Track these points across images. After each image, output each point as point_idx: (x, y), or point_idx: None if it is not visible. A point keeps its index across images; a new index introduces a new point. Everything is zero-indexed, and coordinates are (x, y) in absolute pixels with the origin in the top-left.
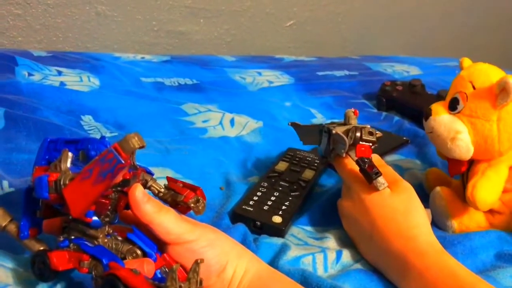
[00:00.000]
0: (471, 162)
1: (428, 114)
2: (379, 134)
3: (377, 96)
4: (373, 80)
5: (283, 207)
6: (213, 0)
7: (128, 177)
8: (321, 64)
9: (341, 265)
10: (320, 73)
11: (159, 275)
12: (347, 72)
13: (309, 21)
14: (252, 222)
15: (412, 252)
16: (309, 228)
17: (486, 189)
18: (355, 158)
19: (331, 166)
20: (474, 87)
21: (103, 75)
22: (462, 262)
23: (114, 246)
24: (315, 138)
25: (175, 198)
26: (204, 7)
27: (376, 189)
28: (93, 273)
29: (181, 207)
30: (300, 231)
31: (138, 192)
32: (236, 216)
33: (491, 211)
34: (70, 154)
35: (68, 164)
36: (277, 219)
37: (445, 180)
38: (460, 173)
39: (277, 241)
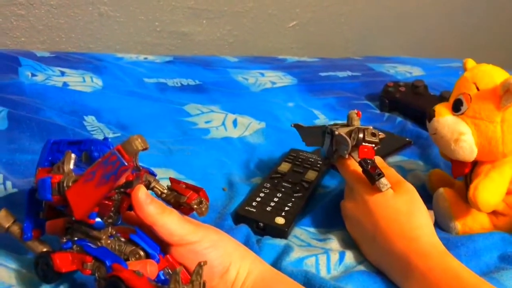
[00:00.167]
0: (475, 164)
1: (431, 115)
2: (381, 135)
3: (380, 97)
4: (376, 81)
5: (286, 208)
6: (215, 1)
7: (131, 179)
8: (323, 65)
9: (344, 266)
10: (322, 74)
11: (162, 277)
12: (349, 73)
13: (311, 22)
14: (255, 223)
15: (415, 253)
16: (312, 229)
17: (489, 190)
18: (358, 159)
19: (334, 167)
20: (478, 89)
21: (106, 76)
22: (465, 264)
23: (117, 247)
24: (317, 139)
25: (178, 199)
26: (207, 8)
27: (379, 190)
28: (96, 274)
29: (184, 208)
30: (303, 232)
31: (141, 193)
32: (239, 217)
33: (494, 213)
34: (73, 155)
35: (71, 166)
36: (280, 220)
37: (448, 181)
38: (463, 175)
39: (280, 242)
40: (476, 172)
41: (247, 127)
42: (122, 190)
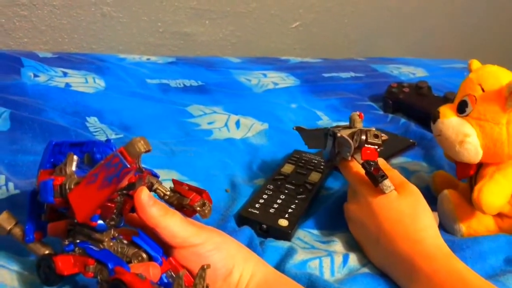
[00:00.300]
0: (480, 166)
1: (436, 116)
2: (384, 137)
3: (383, 98)
4: (379, 82)
5: (289, 210)
6: (218, 2)
7: (133, 181)
8: (326, 66)
9: (348, 269)
10: (325, 75)
11: (165, 280)
12: (353, 74)
13: (314, 22)
14: (258, 225)
15: (419, 255)
16: (315, 231)
17: (493, 192)
18: (361, 161)
19: (337, 169)
20: (483, 90)
21: (108, 77)
22: (470, 266)
23: (119, 249)
24: (320, 141)
25: (181, 201)
26: (209, 9)
27: (382, 192)
28: (99, 277)
29: (187, 210)
30: (306, 234)
31: (143, 195)
32: (242, 219)
33: (500, 215)
34: (75, 157)
35: (73, 168)
36: (283, 222)
37: (452, 183)
38: (468, 177)
39: (284, 244)
40: (481, 174)
41: (249, 128)
42: (124, 192)
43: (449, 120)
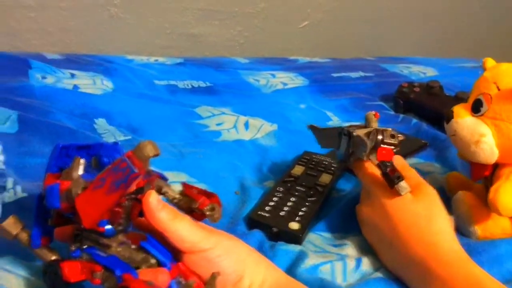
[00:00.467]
0: (495, 166)
1: (450, 116)
2: (401, 137)
3: (394, 97)
4: (390, 82)
5: (300, 213)
6: (226, 2)
7: (142, 185)
8: (335, 66)
9: (361, 273)
10: (335, 75)
11: (174, 286)
12: (362, 74)
13: (323, 22)
14: (268, 228)
15: (434, 259)
16: (327, 234)
17: (510, 193)
18: (376, 162)
19: (349, 170)
20: (498, 88)
21: (116, 78)
22: (487, 270)
23: (127, 255)
24: (333, 141)
25: (190, 205)
26: (217, 9)
27: (398, 193)
28: (105, 285)
29: (196, 214)
30: (318, 237)
31: (152, 199)
32: (252, 222)
33: None
34: (82, 161)
35: (80, 172)
36: (294, 225)
37: (466, 184)
38: (483, 178)
39: (294, 248)
40: (497, 174)
41: (259, 129)
42: (133, 196)
43: (463, 120)
